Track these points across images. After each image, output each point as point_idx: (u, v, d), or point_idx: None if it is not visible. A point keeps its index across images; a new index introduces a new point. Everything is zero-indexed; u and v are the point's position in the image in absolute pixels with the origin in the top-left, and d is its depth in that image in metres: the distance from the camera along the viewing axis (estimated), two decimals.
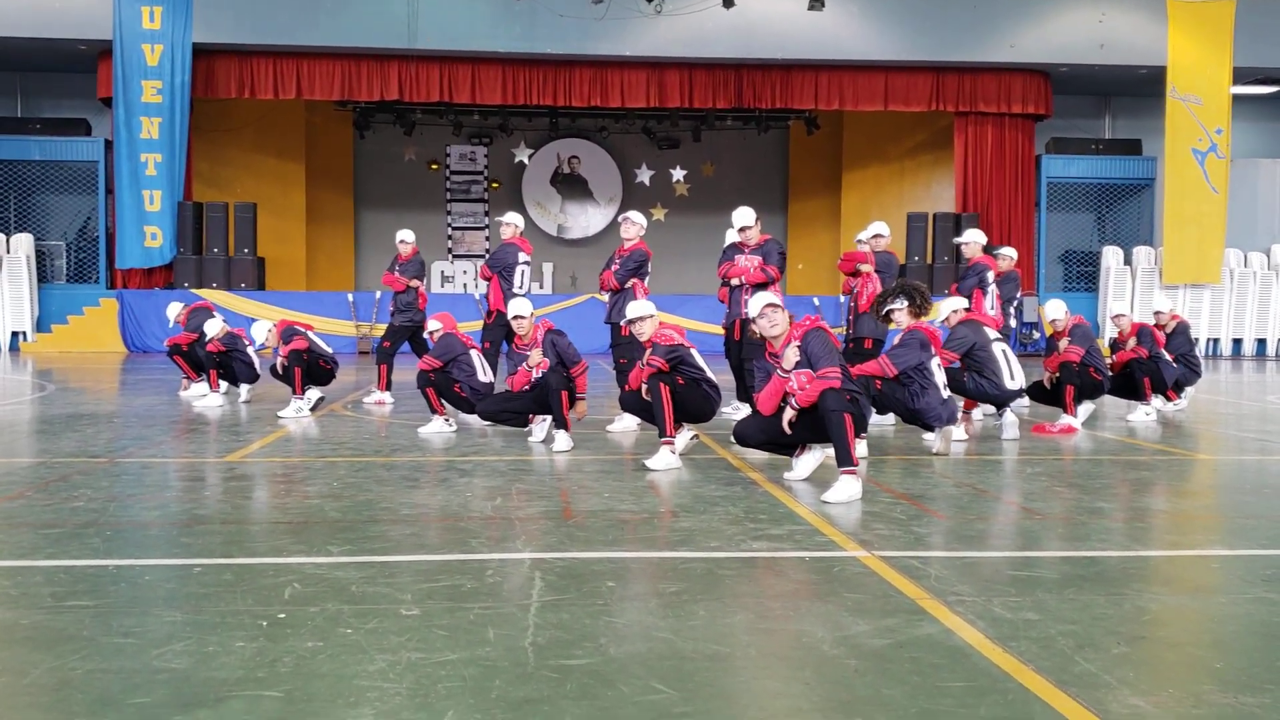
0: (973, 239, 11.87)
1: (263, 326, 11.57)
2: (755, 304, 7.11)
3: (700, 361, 8.18)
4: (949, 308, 9.74)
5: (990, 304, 11.42)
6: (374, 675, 3.43)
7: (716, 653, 3.68)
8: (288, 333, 11.31)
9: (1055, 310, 10.74)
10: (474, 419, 9.99)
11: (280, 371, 11.12)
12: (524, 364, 8.94)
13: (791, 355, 6.87)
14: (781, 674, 3.53)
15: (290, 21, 23.01)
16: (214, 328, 12.16)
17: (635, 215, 10.79)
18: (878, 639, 3.82)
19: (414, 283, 12.49)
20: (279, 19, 22.99)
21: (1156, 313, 12.28)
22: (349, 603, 4.21)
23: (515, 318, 8.93)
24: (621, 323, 8.94)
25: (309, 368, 11.11)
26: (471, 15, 23.23)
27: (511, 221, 11.77)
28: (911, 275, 23.29)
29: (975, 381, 9.26)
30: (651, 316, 8.18)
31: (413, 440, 9.21)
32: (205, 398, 11.99)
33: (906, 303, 8.49)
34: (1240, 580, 4.78)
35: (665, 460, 7.61)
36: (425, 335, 10.89)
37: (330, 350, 11.71)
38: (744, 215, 10.26)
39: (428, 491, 6.72)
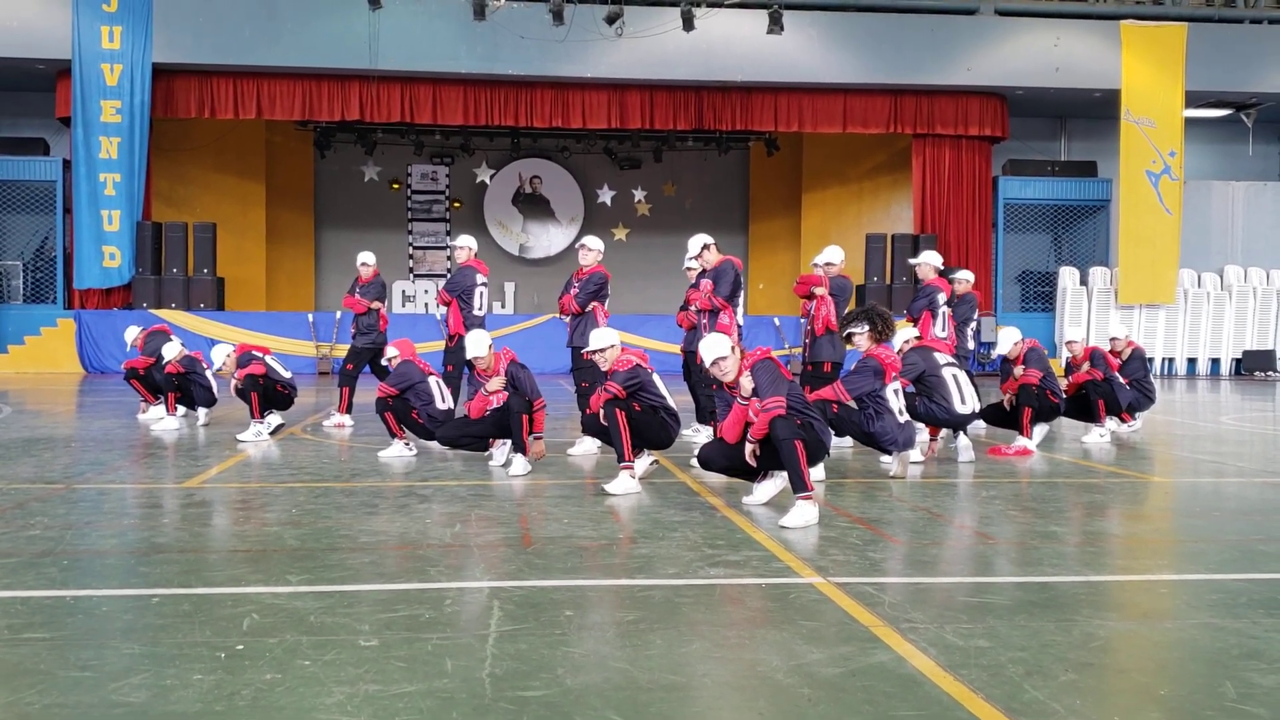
0: (926, 260, 11.93)
1: (222, 351, 11.51)
2: (706, 355, 7.14)
3: (661, 388, 8.22)
4: (901, 338, 9.86)
5: (942, 326, 11.50)
6: (332, 708, 3.45)
7: (672, 682, 3.72)
8: (244, 358, 11.28)
9: (1007, 340, 10.81)
10: (434, 444, 9.99)
11: (239, 393, 11.10)
12: (482, 390, 8.96)
13: (747, 384, 6.94)
14: (736, 703, 3.58)
15: (251, 41, 22.98)
16: (172, 350, 12.13)
17: (591, 240, 10.91)
18: (831, 667, 3.87)
19: (375, 304, 12.48)
20: (240, 39, 22.96)
21: (1112, 339, 12.44)
22: (307, 634, 4.22)
23: (474, 358, 8.93)
24: (584, 351, 8.98)
25: (265, 392, 11.08)
26: (433, 36, 23.28)
27: (465, 244, 11.81)
28: (870, 296, 23.51)
29: (926, 406, 9.35)
30: (613, 346, 8.22)
31: (372, 464, 9.21)
32: (162, 421, 11.93)
33: (868, 327, 8.61)
34: (1187, 606, 4.87)
35: (624, 485, 7.65)
36: (384, 362, 10.88)
37: (289, 374, 11.67)
38: (692, 244, 10.42)
39: (387, 518, 6.73)
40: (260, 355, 11.39)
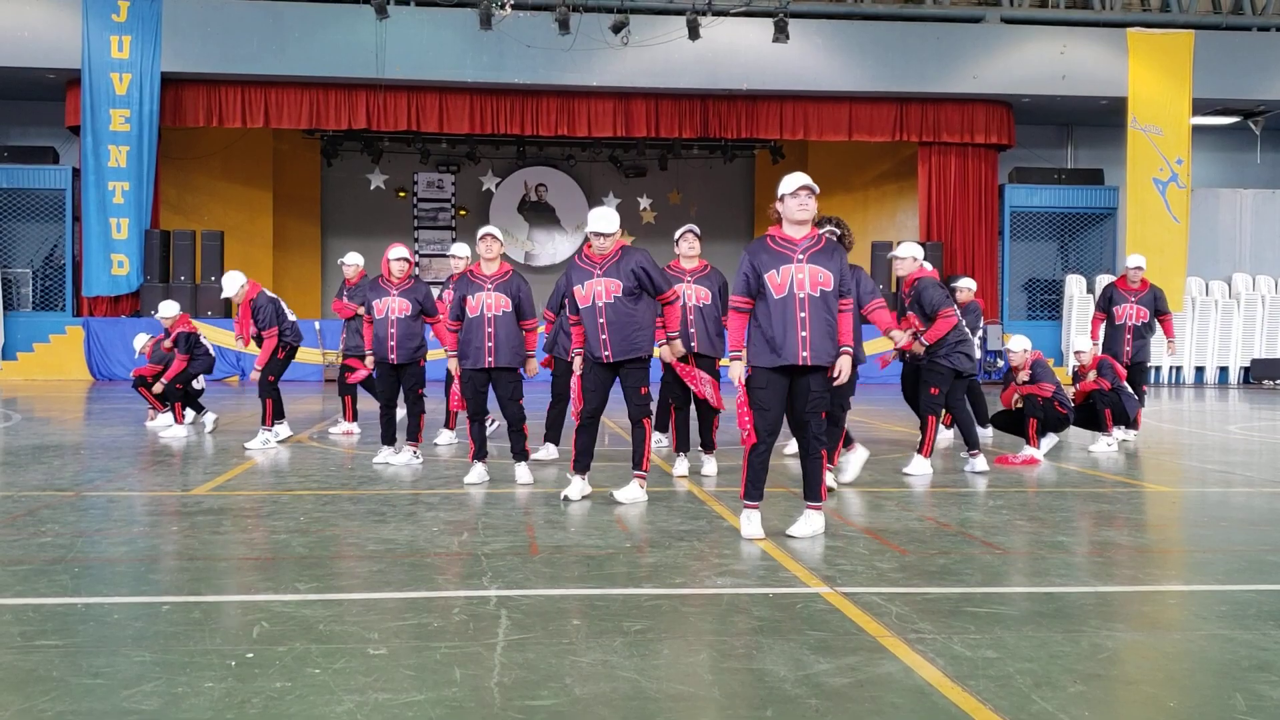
0: (907, 254, 10.14)
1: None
2: (791, 183, 6.26)
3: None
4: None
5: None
6: (341, 716, 3.46)
7: (680, 693, 3.73)
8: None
9: (1019, 347, 10.73)
10: (438, 446, 9.99)
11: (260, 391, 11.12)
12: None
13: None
14: (743, 714, 3.58)
15: (259, 51, 23.05)
16: (170, 309, 12.57)
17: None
18: (839, 678, 3.87)
19: (361, 309, 12.36)
20: (247, 48, 23.04)
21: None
22: (317, 642, 4.24)
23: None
24: (589, 231, 7.69)
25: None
26: (439, 45, 23.34)
27: (461, 255, 11.82)
28: None
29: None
30: (617, 231, 7.76)
31: (380, 472, 9.22)
32: (170, 429, 11.96)
33: None
34: (1196, 616, 4.86)
35: (633, 494, 7.64)
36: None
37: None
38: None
39: (394, 526, 6.74)
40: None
